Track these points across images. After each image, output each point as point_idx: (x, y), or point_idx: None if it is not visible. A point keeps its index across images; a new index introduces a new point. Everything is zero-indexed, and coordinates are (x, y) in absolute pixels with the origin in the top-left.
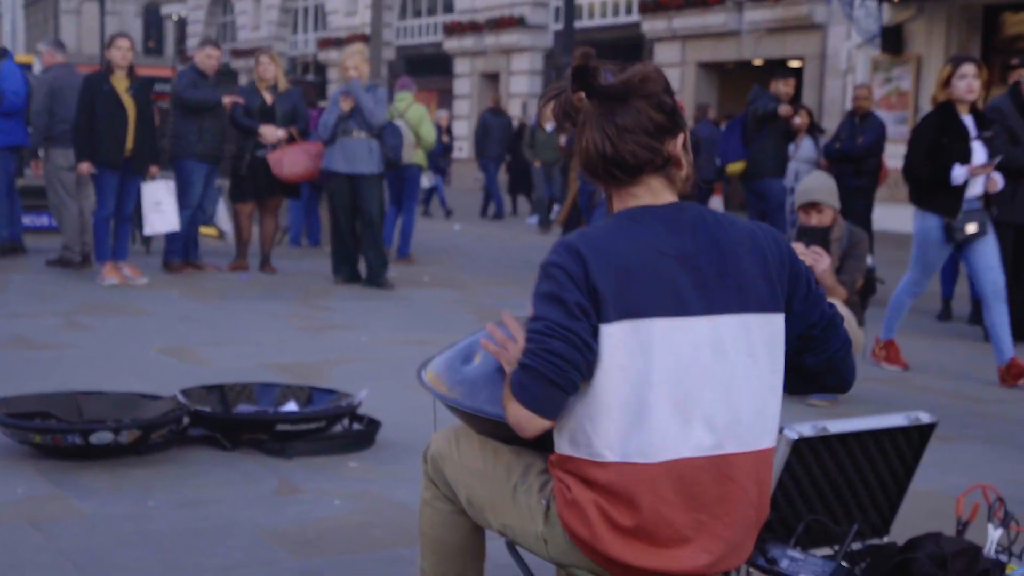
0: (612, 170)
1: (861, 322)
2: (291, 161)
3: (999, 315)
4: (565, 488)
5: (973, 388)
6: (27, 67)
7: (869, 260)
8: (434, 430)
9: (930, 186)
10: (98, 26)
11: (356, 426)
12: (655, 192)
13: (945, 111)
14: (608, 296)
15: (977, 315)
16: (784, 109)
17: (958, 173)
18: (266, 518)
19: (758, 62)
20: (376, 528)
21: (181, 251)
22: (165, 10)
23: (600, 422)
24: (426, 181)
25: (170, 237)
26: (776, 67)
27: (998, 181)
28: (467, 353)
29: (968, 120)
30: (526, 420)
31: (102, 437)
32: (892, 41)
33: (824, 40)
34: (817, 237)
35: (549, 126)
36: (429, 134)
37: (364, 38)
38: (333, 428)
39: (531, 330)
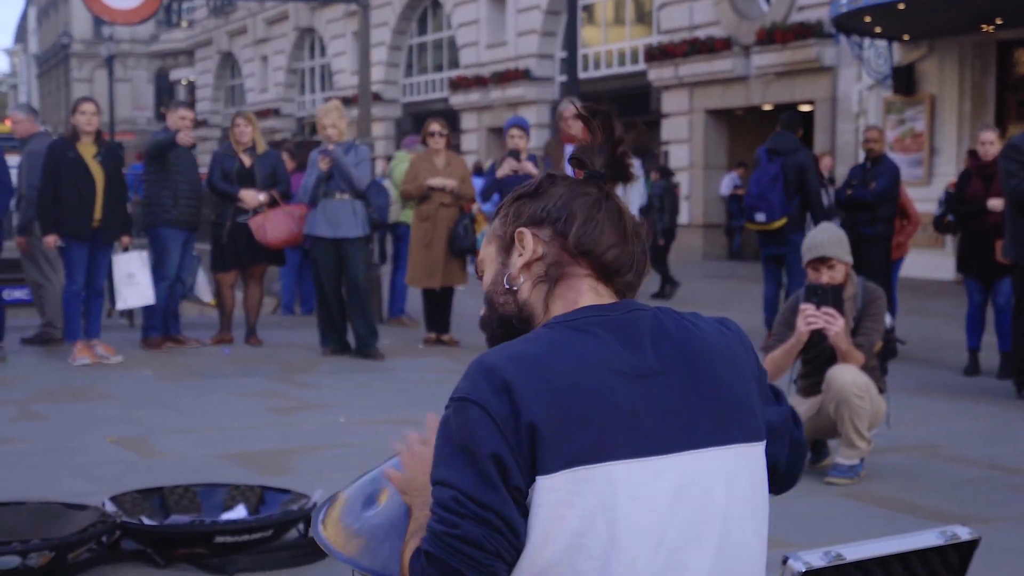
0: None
1: (882, 389)
2: (274, 226)
3: None
4: None
5: (1008, 456)
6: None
7: (888, 319)
8: None
9: None
10: (108, 93)
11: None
12: (598, 291)
13: None
14: (549, 436)
15: (1006, 368)
16: None
17: None
18: None
19: (768, 107)
20: None
21: (160, 326)
22: (175, 75)
23: None
24: None
25: (147, 311)
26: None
27: None
28: (371, 491)
29: None
30: None
31: (7, 562)
32: (904, 81)
33: (834, 82)
34: (829, 296)
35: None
36: None
37: (374, 97)
38: (285, 535)
39: (437, 501)
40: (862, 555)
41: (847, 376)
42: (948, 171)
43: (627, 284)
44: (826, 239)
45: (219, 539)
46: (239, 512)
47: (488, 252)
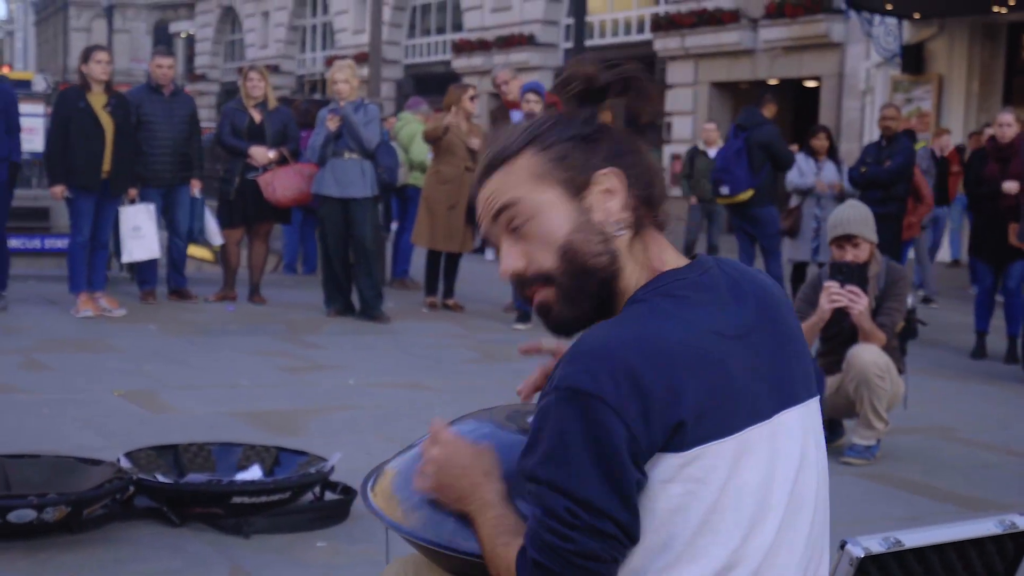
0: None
1: (902, 370)
2: (283, 184)
3: None
4: None
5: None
6: (24, 83)
7: (910, 300)
8: (386, 562)
9: None
10: (107, 44)
11: (329, 494)
12: (672, 247)
13: None
14: (690, 423)
15: (1014, 352)
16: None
17: None
18: None
19: (773, 81)
20: None
21: (152, 279)
22: (174, 27)
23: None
24: None
25: (144, 264)
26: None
27: None
28: None
29: None
30: None
31: (22, 515)
32: (912, 60)
33: (842, 59)
34: (853, 275)
35: (712, 150)
36: (418, 154)
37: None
38: (301, 498)
39: (546, 507)
40: (920, 542)
41: (868, 356)
42: None
43: None
44: (852, 216)
45: (236, 500)
46: (254, 472)
47: (547, 197)
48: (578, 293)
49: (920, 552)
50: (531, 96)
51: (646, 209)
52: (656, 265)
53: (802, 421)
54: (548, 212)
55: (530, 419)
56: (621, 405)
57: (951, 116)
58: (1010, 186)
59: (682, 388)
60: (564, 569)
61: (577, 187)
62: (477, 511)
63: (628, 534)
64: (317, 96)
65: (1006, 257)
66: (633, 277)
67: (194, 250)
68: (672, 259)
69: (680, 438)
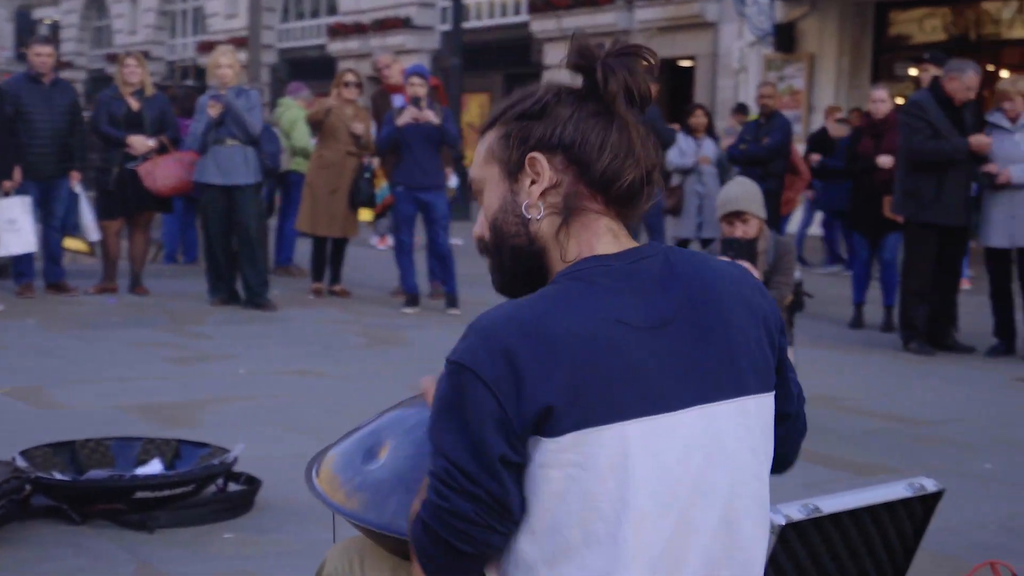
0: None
1: (790, 342)
2: (164, 173)
3: None
4: None
5: (906, 407)
6: None
7: (796, 273)
8: (333, 541)
9: None
10: None
11: (232, 486)
12: (615, 231)
13: None
14: (557, 406)
15: (889, 322)
16: None
17: None
18: None
19: None
20: None
21: (32, 271)
22: (37, 14)
23: (561, 566)
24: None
25: (25, 257)
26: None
27: None
28: (371, 444)
29: None
30: None
31: None
32: (785, 39)
33: (716, 39)
34: (743, 250)
35: None
36: (300, 139)
37: (245, 41)
38: (204, 490)
39: (432, 472)
40: (837, 507)
41: None
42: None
43: (639, 212)
44: (740, 193)
45: (139, 494)
46: (155, 466)
47: (490, 173)
48: (501, 266)
49: (836, 517)
50: (415, 79)
51: (591, 192)
52: (583, 251)
53: (728, 417)
54: (489, 188)
55: None
56: (495, 382)
57: (822, 93)
58: (884, 160)
59: (555, 372)
60: (442, 529)
61: (511, 167)
62: None
63: (500, 503)
64: (190, 82)
65: (882, 229)
66: (558, 260)
67: (69, 242)
68: (605, 246)
69: (552, 423)
